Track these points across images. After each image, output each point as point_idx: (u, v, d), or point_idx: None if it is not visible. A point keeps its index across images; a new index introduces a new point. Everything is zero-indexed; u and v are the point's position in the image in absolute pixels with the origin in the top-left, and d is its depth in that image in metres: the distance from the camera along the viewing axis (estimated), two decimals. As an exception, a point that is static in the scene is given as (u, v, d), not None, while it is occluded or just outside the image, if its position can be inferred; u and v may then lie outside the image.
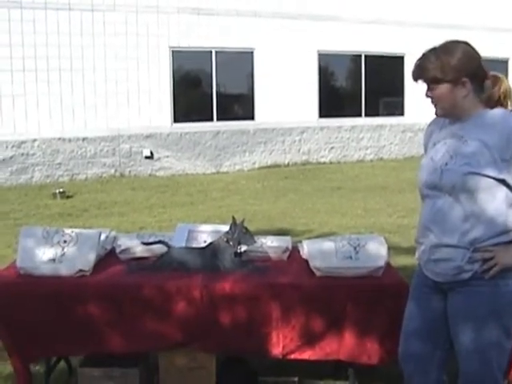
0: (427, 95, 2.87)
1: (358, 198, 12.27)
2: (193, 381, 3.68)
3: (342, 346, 3.53)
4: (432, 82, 2.80)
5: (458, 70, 2.74)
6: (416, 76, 2.86)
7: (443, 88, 2.78)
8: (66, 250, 3.68)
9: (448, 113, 2.86)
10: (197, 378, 3.68)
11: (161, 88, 16.24)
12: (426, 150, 3.06)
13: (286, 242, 4.09)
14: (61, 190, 12.99)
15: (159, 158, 16.47)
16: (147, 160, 16.30)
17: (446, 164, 2.79)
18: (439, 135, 2.94)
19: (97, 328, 3.55)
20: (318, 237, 5.11)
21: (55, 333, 3.58)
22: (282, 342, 3.52)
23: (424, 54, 2.83)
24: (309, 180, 15.15)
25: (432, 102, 2.87)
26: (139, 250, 4.02)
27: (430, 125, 3.07)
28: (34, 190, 14.11)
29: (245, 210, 10.67)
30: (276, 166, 17.53)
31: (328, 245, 3.71)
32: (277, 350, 3.54)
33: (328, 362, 3.75)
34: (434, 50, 2.80)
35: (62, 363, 4.34)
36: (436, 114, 2.93)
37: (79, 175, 15.66)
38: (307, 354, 3.56)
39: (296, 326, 3.52)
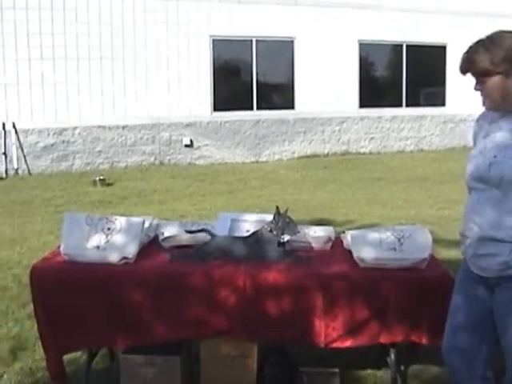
0: (476, 88, 2.80)
1: (398, 189, 12.18)
2: (234, 369, 3.69)
3: (383, 332, 3.53)
4: (482, 75, 2.73)
5: (509, 61, 2.67)
6: (464, 69, 2.78)
7: (494, 80, 2.70)
8: (110, 237, 3.69)
9: (498, 105, 2.79)
10: (238, 366, 3.69)
11: (201, 77, 16.27)
12: (474, 143, 2.99)
13: (329, 232, 4.08)
14: (101, 177, 13.12)
15: (199, 147, 16.53)
16: (187, 148, 16.37)
17: (495, 156, 2.73)
18: (488, 128, 2.87)
19: (140, 315, 3.57)
20: (358, 228, 5.10)
21: (98, 321, 3.59)
22: (324, 332, 3.52)
23: (471, 47, 2.75)
24: (348, 170, 15.09)
25: (481, 94, 2.81)
26: (182, 238, 4.01)
27: (478, 118, 3.00)
28: (75, 177, 14.26)
29: (284, 199, 10.67)
30: (315, 155, 17.49)
31: (372, 236, 3.68)
32: (319, 339, 3.54)
33: (370, 352, 3.77)
34: (481, 42, 2.72)
35: (104, 349, 4.37)
36: (485, 107, 2.86)
37: (119, 163, 15.77)
38: (348, 342, 3.56)
39: (338, 316, 3.52)
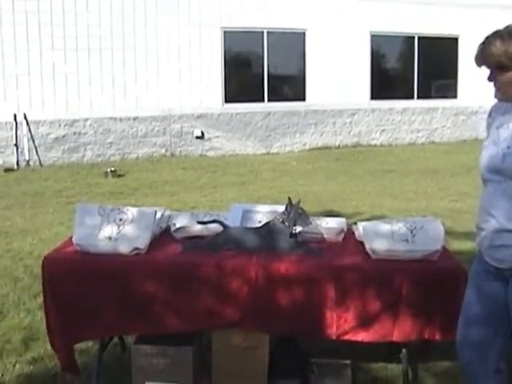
0: (489, 79, 2.77)
1: (409, 181, 12.16)
2: (246, 360, 3.70)
3: (396, 328, 3.52)
4: (497, 68, 2.70)
5: None
6: (479, 61, 2.74)
7: (509, 75, 2.67)
8: (122, 228, 3.70)
9: (510, 98, 2.77)
10: (250, 357, 3.69)
11: (212, 68, 16.26)
12: (488, 134, 2.97)
13: (341, 223, 4.07)
14: (112, 168, 13.15)
15: (210, 138, 16.52)
16: (198, 140, 16.37)
17: (508, 147, 2.71)
18: (502, 119, 2.84)
19: (152, 306, 3.58)
20: (369, 219, 5.07)
21: (109, 311, 3.61)
22: (336, 323, 3.52)
23: (487, 38, 2.69)
24: (359, 162, 15.06)
25: (494, 86, 2.78)
26: (195, 229, 4.01)
27: (491, 109, 2.97)
28: (86, 168, 14.30)
29: (295, 191, 10.67)
30: (326, 147, 17.46)
31: (384, 227, 3.68)
32: (331, 331, 3.54)
33: (381, 344, 3.73)
34: (498, 35, 2.66)
35: (116, 339, 4.39)
36: (497, 98, 2.83)
37: (130, 154, 15.80)
38: (361, 336, 3.55)
39: (350, 308, 3.51)
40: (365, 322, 3.52)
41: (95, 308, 3.62)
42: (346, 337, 3.56)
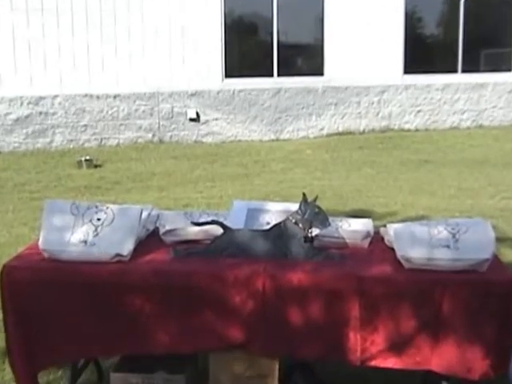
0: None
1: (450, 173, 12.14)
2: (250, 392, 3.69)
3: (434, 354, 3.50)
4: None
5: None
6: None
7: None
8: (100, 230, 3.71)
9: None
10: (255, 388, 3.67)
11: (210, 36, 16.24)
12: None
13: (366, 225, 4.06)
14: (87, 157, 13.17)
15: (207, 121, 16.52)
16: (192, 123, 16.37)
17: None
18: None
19: (136, 323, 3.60)
20: (401, 221, 5.06)
21: (84, 330, 3.62)
22: (360, 347, 3.52)
23: None
24: (389, 151, 15.03)
25: None
26: (188, 232, 4.01)
27: None
28: (55, 156, 14.31)
29: (311, 186, 10.68)
30: (349, 132, 17.43)
31: (420, 230, 3.66)
32: (354, 356, 3.54)
33: (415, 373, 3.74)
34: None
35: (91, 365, 4.39)
36: None
37: (109, 140, 15.80)
38: (391, 362, 3.54)
39: (378, 328, 3.51)
40: (396, 345, 3.51)
41: (67, 326, 3.63)
42: (373, 363, 3.56)
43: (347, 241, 3.99)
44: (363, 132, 17.61)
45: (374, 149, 15.31)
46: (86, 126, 15.63)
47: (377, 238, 4.04)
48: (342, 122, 17.57)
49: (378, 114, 17.85)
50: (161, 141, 16.10)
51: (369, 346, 3.52)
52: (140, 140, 15.99)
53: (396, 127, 17.93)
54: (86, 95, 15.46)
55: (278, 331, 3.57)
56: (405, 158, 14.02)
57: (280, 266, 3.62)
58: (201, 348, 3.73)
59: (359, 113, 17.68)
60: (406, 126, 18.05)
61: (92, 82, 15.44)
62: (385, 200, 9.97)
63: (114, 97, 15.70)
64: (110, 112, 15.76)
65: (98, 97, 15.58)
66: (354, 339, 3.53)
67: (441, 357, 3.50)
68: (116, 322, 3.62)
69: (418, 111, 18.19)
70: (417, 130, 18.02)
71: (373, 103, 17.74)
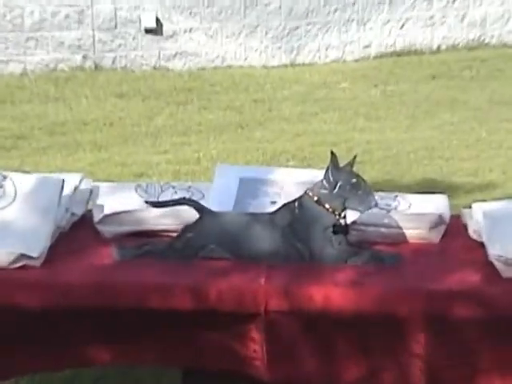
0: None
1: None
2: None
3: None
4: None
5: None
6: None
7: None
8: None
9: None
10: None
11: None
12: None
13: (438, 206, 3.07)
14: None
15: (174, 33, 14.32)
16: (149, 36, 13.80)
17: None
18: None
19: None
20: (499, 199, 4.03)
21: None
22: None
23: None
24: (481, 82, 12.50)
25: None
26: (142, 218, 3.08)
27: None
28: None
29: (348, 142, 8.93)
30: (413, 51, 14.49)
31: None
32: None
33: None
34: None
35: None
36: None
37: (8, 65, 13.15)
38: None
39: (458, 364, 2.69)
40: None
41: None
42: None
43: (405, 231, 3.01)
44: (437, 50, 14.91)
45: (455, 79, 12.77)
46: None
47: (456, 227, 3.11)
48: (400, 32, 15.14)
49: (462, 19, 15.56)
50: (97, 67, 13.10)
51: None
52: (61, 66, 13.11)
53: (494, 41, 15.32)
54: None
55: (288, 372, 2.71)
56: (508, 94, 11.80)
57: (293, 276, 2.70)
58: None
59: (431, 17, 15.28)
60: (509, 40, 14.40)
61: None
62: (472, 165, 8.30)
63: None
64: (9, 17, 13.80)
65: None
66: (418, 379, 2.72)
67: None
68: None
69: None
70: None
71: (454, 1, 15.36)
